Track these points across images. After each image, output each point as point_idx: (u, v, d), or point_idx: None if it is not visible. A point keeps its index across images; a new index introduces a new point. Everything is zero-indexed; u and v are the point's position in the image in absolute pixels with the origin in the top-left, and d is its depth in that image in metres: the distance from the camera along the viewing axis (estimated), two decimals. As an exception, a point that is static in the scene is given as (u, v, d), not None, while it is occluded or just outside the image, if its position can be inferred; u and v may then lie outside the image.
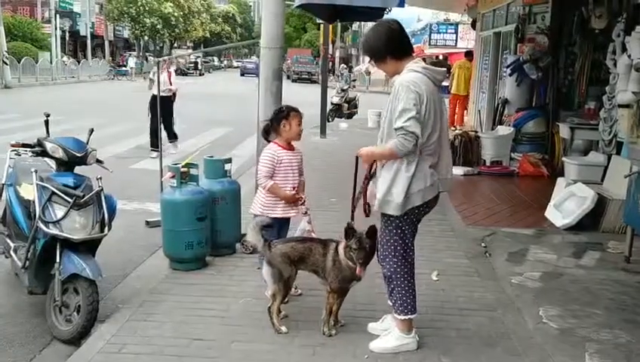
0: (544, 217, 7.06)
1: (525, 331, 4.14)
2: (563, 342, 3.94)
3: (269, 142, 4.62)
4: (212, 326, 4.07)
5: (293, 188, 4.52)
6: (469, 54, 16.55)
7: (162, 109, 10.50)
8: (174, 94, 11.49)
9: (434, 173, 3.57)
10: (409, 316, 3.77)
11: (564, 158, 8.26)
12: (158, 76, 7.74)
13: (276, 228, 4.49)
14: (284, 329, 3.97)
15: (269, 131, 4.61)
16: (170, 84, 11.24)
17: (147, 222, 6.68)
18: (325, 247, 3.97)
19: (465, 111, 16.44)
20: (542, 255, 5.72)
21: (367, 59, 42.89)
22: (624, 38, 7.25)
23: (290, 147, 4.56)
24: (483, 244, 6.07)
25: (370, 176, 3.78)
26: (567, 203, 6.85)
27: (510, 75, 10.90)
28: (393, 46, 3.61)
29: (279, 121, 4.50)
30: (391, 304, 3.82)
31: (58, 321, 4.04)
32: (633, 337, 4.02)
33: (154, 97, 10.51)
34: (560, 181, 7.53)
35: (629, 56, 6.67)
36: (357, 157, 3.83)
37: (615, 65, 7.50)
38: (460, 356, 3.74)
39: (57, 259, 3.99)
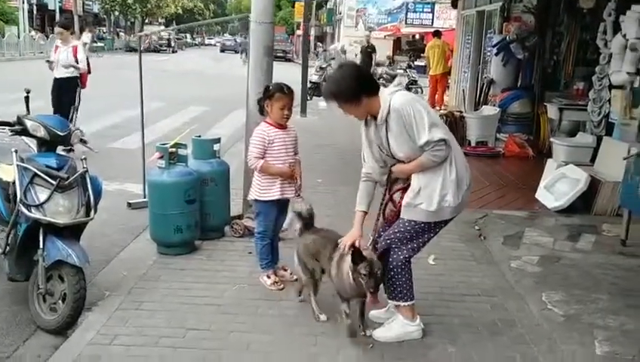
0: (535, 199, 6.98)
1: (530, 318, 4.03)
2: (570, 329, 3.85)
3: (263, 115, 4.39)
4: (207, 314, 3.88)
5: (290, 165, 4.30)
6: (437, 33, 16.67)
7: (64, 94, 8.93)
8: (83, 76, 9.08)
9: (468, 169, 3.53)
10: (409, 302, 3.63)
11: (552, 139, 8.17)
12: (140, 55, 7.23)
13: (275, 211, 4.30)
14: (323, 317, 3.83)
15: (261, 106, 4.39)
16: (76, 61, 8.84)
17: (129, 204, 6.44)
18: (334, 250, 3.65)
19: (445, 91, 16.38)
20: (537, 238, 5.63)
21: (342, 37, 42.62)
22: (615, 18, 7.14)
23: (282, 126, 4.33)
24: (477, 227, 5.96)
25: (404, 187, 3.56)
26: (559, 184, 6.77)
27: (496, 54, 10.80)
28: (366, 83, 3.44)
29: (264, 100, 4.29)
30: (387, 291, 3.66)
31: (42, 310, 3.81)
32: (640, 323, 3.94)
33: (55, 81, 9.04)
34: (550, 162, 7.45)
35: (624, 36, 6.56)
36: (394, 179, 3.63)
37: (606, 45, 7.40)
38: (467, 345, 3.62)
39: (40, 245, 3.75)
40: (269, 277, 4.35)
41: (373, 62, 19.89)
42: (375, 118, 3.45)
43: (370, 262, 3.31)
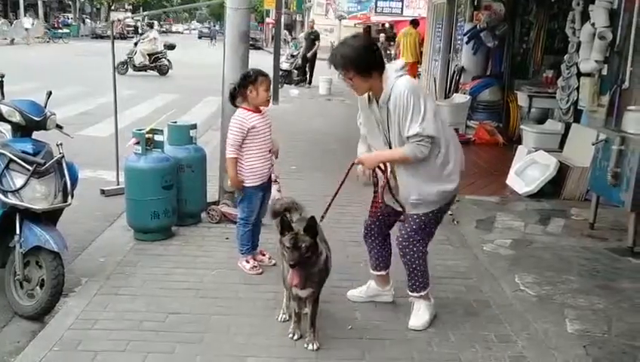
0: (505, 184, 7.12)
1: (504, 299, 4.13)
2: (542, 309, 3.97)
3: (236, 107, 4.38)
4: (187, 299, 3.89)
5: (270, 151, 4.32)
6: (414, 22, 16.63)
7: None
8: None
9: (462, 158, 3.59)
10: (428, 289, 3.73)
11: (522, 126, 8.33)
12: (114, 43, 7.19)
13: (260, 196, 4.32)
14: (282, 316, 3.71)
15: (235, 96, 4.36)
16: None
17: (102, 191, 6.39)
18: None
19: (416, 79, 16.52)
20: (509, 222, 5.76)
21: (305, 25, 42.37)
22: (584, 7, 7.29)
23: (259, 110, 4.31)
24: (449, 212, 6.02)
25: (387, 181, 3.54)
26: (529, 170, 6.92)
27: (467, 42, 10.91)
28: (380, 60, 3.36)
29: (246, 86, 4.25)
30: (409, 288, 3.73)
31: (19, 296, 3.79)
32: (609, 303, 4.08)
33: None
34: (520, 149, 7.60)
35: (593, 25, 6.69)
36: (352, 164, 3.57)
37: (574, 33, 7.55)
38: (445, 324, 3.71)
39: (17, 231, 3.72)
40: (247, 261, 4.38)
41: (316, 50, 18.36)
42: (375, 96, 3.40)
43: (296, 234, 3.15)
